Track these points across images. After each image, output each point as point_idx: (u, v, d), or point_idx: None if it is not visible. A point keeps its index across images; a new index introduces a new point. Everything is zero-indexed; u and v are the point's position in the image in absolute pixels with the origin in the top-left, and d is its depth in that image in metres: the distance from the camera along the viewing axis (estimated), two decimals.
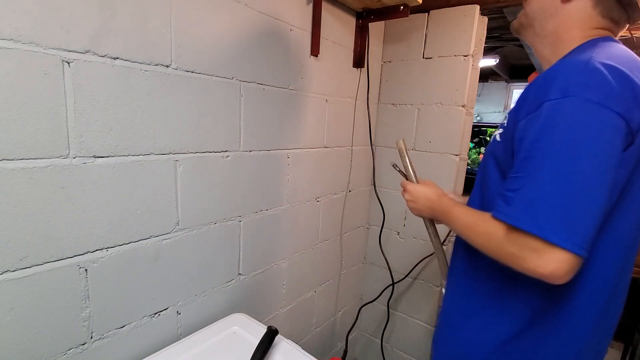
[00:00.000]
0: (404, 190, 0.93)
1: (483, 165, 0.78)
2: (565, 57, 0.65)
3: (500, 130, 0.71)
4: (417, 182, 0.94)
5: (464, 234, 0.72)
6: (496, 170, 0.71)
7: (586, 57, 0.59)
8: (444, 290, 0.97)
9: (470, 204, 0.82)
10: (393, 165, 1.01)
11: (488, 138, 5.21)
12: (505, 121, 0.70)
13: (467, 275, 0.80)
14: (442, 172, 1.52)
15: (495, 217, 0.62)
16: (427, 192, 0.87)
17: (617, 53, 0.60)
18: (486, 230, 0.64)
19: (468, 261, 0.80)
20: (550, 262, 0.54)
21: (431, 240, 0.98)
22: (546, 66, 0.73)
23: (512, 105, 0.70)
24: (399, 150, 1.00)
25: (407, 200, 0.92)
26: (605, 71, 0.56)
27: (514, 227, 0.58)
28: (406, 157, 0.98)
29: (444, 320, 0.86)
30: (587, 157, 0.54)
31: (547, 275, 0.55)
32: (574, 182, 0.54)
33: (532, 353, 0.68)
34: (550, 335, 0.67)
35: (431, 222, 0.96)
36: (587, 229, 0.54)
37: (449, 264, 0.92)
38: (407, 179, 0.97)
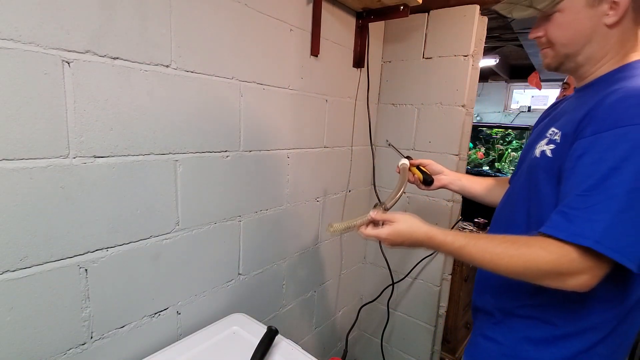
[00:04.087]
0: (381, 233, 0.83)
1: (530, 182, 0.75)
2: (621, 76, 0.66)
3: (552, 147, 0.70)
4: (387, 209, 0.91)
5: (490, 260, 0.66)
6: (550, 187, 0.70)
7: None
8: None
9: (505, 222, 0.82)
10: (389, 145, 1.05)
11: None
12: (557, 137, 0.70)
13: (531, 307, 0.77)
14: None
15: (551, 235, 0.61)
16: (412, 234, 0.79)
17: None
18: (533, 251, 0.62)
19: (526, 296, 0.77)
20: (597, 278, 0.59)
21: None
22: (580, 83, 0.75)
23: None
24: (402, 171, 1.06)
25: (384, 240, 0.84)
26: None
27: (572, 244, 0.58)
28: (404, 182, 1.00)
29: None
30: None
31: (586, 287, 0.60)
32: None
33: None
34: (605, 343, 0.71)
35: None
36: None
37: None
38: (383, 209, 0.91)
